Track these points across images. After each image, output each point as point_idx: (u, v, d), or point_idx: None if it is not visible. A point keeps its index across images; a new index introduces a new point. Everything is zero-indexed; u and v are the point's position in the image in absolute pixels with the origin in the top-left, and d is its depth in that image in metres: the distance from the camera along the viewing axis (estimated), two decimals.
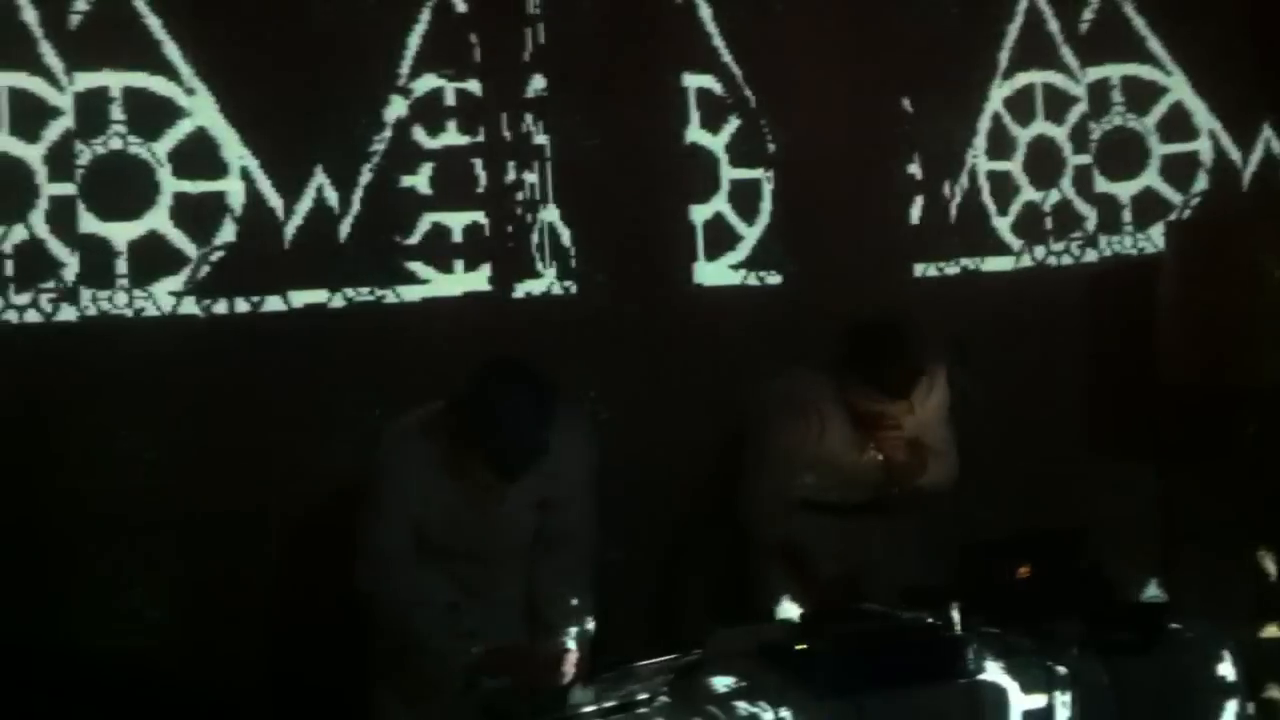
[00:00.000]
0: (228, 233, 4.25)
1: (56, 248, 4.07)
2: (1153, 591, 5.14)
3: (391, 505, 3.55)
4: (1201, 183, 5.43)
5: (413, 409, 3.65)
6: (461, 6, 4.50)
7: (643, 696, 3.38)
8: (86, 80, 4.11)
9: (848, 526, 4.24)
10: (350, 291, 4.37)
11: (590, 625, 3.67)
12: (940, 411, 4.25)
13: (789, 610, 4.14)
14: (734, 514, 4.32)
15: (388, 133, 4.42)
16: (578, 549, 3.75)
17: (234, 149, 4.25)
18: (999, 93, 5.22)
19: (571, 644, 3.58)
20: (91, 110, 4.11)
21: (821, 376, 4.17)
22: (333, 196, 4.35)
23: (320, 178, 4.33)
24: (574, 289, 4.65)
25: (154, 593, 4.07)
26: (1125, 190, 5.39)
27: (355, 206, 4.38)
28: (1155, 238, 5.34)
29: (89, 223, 4.10)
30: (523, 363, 3.57)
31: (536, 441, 3.44)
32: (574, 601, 3.68)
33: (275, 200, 4.30)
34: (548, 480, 3.59)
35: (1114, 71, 5.37)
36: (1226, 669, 3.78)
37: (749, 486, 4.25)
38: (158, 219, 4.18)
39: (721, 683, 3.48)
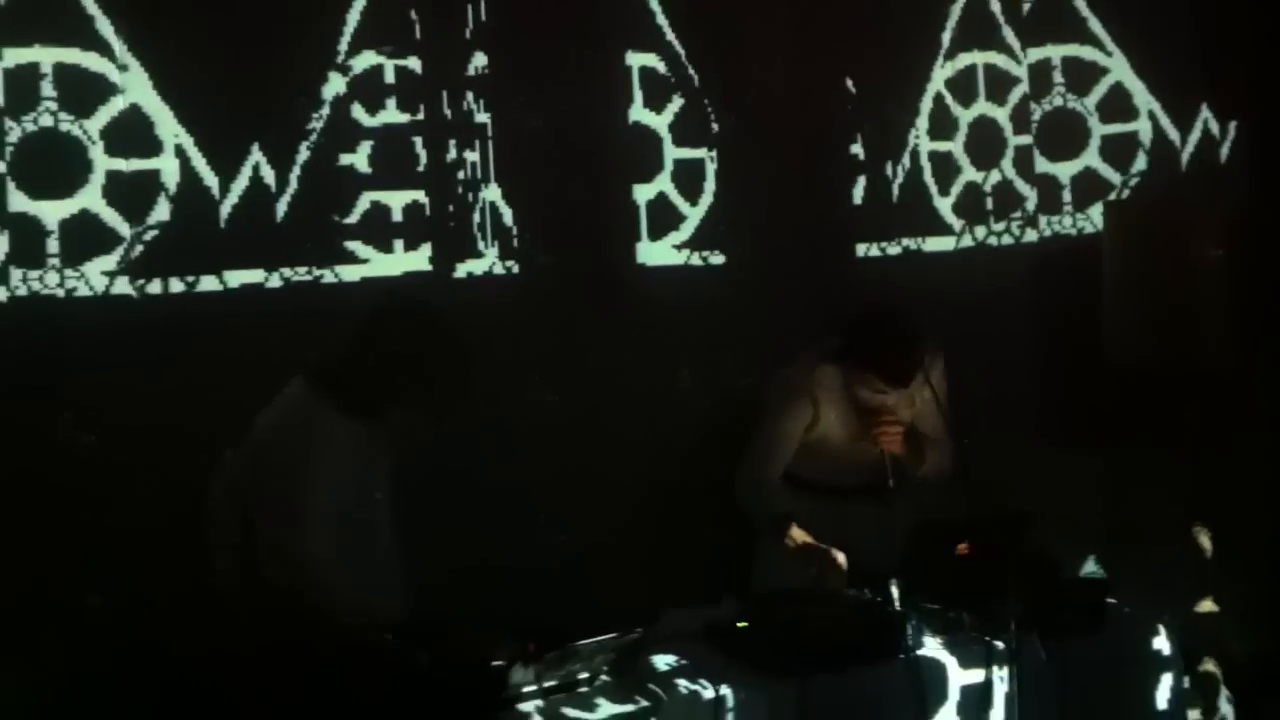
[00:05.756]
0: (162, 211, 4.18)
1: None
2: (1092, 569, 5.19)
3: (315, 502, 3.43)
4: (1141, 163, 5.47)
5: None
6: None
7: (583, 676, 3.37)
8: (16, 56, 4.02)
9: (843, 509, 4.25)
10: (288, 271, 4.31)
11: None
12: (936, 400, 4.28)
13: (778, 583, 4.11)
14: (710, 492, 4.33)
15: (326, 110, 4.37)
16: None
17: (168, 126, 4.17)
18: (941, 73, 5.23)
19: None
20: (21, 87, 4.02)
21: (826, 365, 4.22)
22: (270, 175, 4.29)
23: (257, 156, 4.27)
24: (516, 269, 4.62)
25: (87, 580, 4.01)
26: (1065, 170, 5.43)
27: (293, 185, 4.32)
28: (1095, 218, 5.38)
29: (19, 201, 4.02)
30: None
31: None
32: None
33: (211, 178, 4.23)
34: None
35: (1055, 52, 5.40)
36: (1162, 644, 3.83)
37: (743, 466, 4.27)
38: (90, 198, 4.10)
39: (662, 661, 3.48)
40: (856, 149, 5.10)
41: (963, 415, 4.42)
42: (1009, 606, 3.61)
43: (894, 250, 5.16)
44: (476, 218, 4.58)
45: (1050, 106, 5.40)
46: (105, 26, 4.11)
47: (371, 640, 3.45)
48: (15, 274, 4.01)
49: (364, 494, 3.52)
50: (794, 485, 4.28)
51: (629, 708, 3.31)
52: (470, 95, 4.57)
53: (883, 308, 4.17)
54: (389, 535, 3.62)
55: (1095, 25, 5.43)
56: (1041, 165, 5.38)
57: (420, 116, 4.50)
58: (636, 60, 4.80)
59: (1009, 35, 5.33)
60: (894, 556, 3.88)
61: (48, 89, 4.05)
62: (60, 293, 4.05)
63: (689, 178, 4.87)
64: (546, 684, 3.33)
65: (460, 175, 4.56)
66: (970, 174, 5.28)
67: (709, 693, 3.35)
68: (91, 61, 4.10)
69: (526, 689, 3.32)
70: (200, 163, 4.21)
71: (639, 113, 4.80)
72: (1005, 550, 3.71)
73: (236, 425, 4.13)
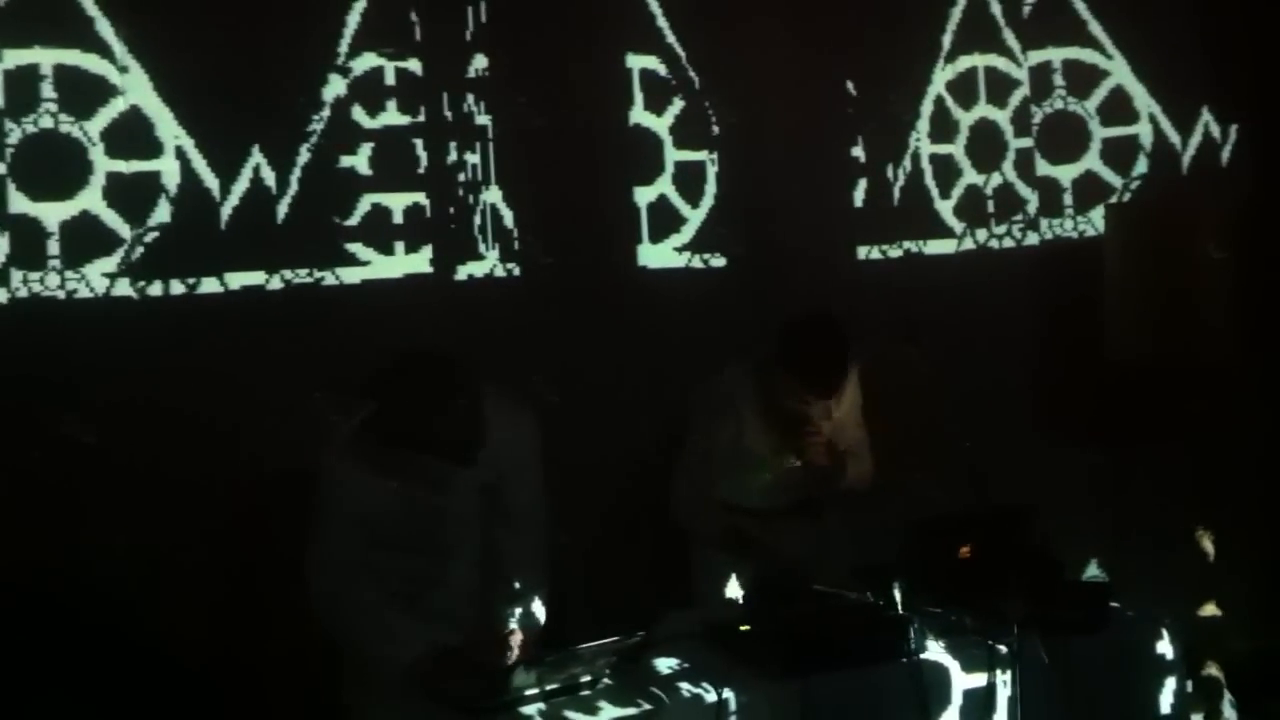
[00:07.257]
0: (162, 213, 4.18)
1: None
2: (1094, 571, 5.18)
3: (333, 524, 3.51)
4: (1142, 166, 5.47)
5: (347, 416, 3.61)
6: None
7: (586, 679, 3.36)
8: (16, 58, 4.02)
9: (775, 529, 4.23)
10: (288, 273, 4.31)
11: (541, 608, 3.64)
12: (854, 413, 4.28)
13: (734, 591, 4.13)
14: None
15: (326, 112, 4.37)
16: (531, 528, 3.71)
17: (168, 128, 4.18)
18: (942, 76, 5.23)
19: (514, 624, 3.56)
20: (21, 88, 4.02)
21: (749, 376, 4.19)
22: (270, 177, 4.29)
23: (257, 157, 4.27)
24: (517, 271, 4.62)
25: (95, 583, 3.99)
26: (1066, 173, 5.43)
27: (293, 187, 4.32)
28: (1096, 220, 5.37)
29: (19, 203, 4.02)
30: (439, 353, 3.54)
31: (479, 428, 3.43)
32: (529, 581, 3.66)
33: (211, 180, 4.23)
34: (488, 463, 3.57)
35: (1055, 55, 5.40)
36: (1165, 647, 3.82)
37: (675, 485, 4.28)
38: (90, 199, 4.11)
39: (665, 664, 3.47)
40: (857, 151, 5.11)
41: (965, 417, 4.43)
42: (1010, 606, 3.60)
43: (895, 253, 5.16)
44: (477, 220, 4.57)
45: (1051, 109, 5.40)
46: (105, 28, 4.11)
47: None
48: (16, 276, 4.01)
49: (397, 519, 3.55)
50: (728, 510, 4.25)
51: (631, 710, 3.30)
52: (471, 97, 4.56)
53: (810, 317, 4.13)
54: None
55: (1096, 28, 5.43)
56: (1042, 168, 5.38)
57: (421, 118, 4.49)
58: (637, 62, 4.80)
59: (1009, 38, 5.33)
60: (831, 570, 3.86)
61: (48, 90, 4.05)
62: (61, 294, 4.05)
63: (690, 180, 4.87)
64: (548, 687, 3.32)
65: (461, 177, 4.56)
66: (971, 177, 5.28)
67: (711, 695, 3.33)
68: (91, 63, 4.10)
69: (528, 692, 3.31)
70: (201, 164, 4.21)
71: (640, 115, 4.80)
72: (1005, 547, 3.70)
73: (236, 425, 4.15)
